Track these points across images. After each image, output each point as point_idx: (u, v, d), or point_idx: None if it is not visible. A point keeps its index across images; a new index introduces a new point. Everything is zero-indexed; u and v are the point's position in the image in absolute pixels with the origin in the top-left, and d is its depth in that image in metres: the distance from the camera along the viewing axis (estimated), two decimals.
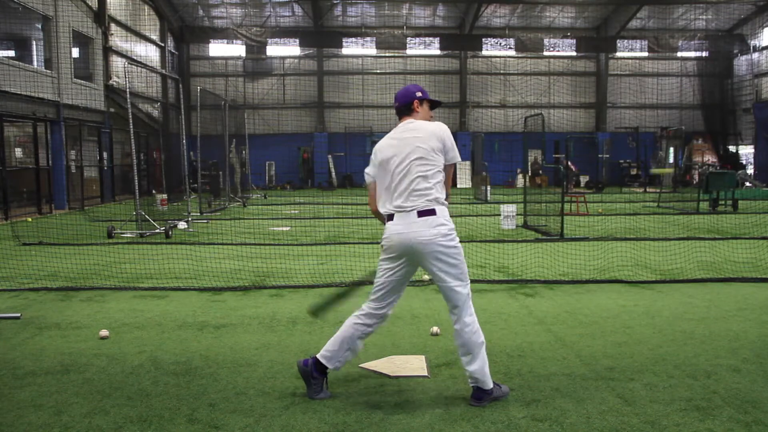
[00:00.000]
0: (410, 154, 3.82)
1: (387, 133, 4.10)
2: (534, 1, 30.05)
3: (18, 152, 20.10)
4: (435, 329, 5.32)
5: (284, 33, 31.45)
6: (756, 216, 15.03)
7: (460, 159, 4.01)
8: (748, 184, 23.91)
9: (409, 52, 32.41)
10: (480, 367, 3.77)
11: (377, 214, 4.04)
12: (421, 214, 3.73)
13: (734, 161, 29.91)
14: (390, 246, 3.82)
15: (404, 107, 4.01)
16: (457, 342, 3.82)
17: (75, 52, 21.23)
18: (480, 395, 3.79)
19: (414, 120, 3.97)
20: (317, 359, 3.91)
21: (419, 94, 4.01)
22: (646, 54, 33.13)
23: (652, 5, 30.55)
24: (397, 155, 3.86)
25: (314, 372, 3.89)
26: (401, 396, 3.97)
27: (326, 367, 3.91)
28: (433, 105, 4.11)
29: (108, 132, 22.78)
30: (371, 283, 4.04)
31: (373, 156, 4.03)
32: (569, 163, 29.33)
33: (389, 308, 3.96)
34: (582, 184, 30.46)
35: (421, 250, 3.73)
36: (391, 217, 3.82)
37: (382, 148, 3.97)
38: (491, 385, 3.81)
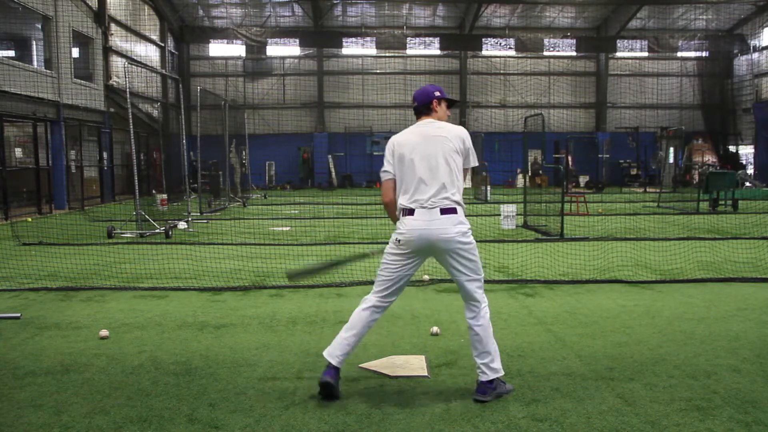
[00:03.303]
0: (435, 152, 3.87)
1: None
2: (534, 1, 30.05)
3: (18, 152, 20.10)
4: (435, 329, 5.32)
5: (284, 33, 31.44)
6: (756, 216, 15.02)
7: (477, 163, 4.06)
8: (748, 184, 23.90)
9: (409, 52, 32.41)
10: (495, 356, 3.87)
11: (391, 209, 4.03)
12: (444, 211, 3.81)
13: (734, 161, 29.91)
14: (408, 241, 3.85)
15: (423, 107, 4.02)
16: (476, 336, 3.88)
17: (75, 52, 21.23)
18: (485, 389, 3.83)
19: (434, 120, 4.01)
20: (336, 367, 3.88)
21: (437, 93, 4.02)
22: (646, 54, 33.14)
23: (652, 5, 30.56)
24: (419, 151, 3.88)
25: (336, 380, 3.89)
26: (401, 396, 3.96)
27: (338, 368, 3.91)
28: (451, 103, 4.14)
29: (108, 132, 22.78)
30: (350, 262, 4.16)
31: (389, 151, 4.00)
32: (570, 158, 29.39)
33: (392, 302, 4.03)
34: (582, 184, 30.48)
35: (442, 247, 3.83)
36: (411, 211, 3.84)
37: (401, 143, 3.96)
38: (501, 372, 3.89)
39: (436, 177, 3.83)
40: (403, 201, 3.90)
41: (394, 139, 4.03)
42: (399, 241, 3.89)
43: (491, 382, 3.84)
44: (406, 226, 3.85)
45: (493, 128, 32.02)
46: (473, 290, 3.91)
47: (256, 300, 6.65)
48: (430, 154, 3.86)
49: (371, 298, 3.98)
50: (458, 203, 3.86)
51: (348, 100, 33.23)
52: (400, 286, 3.98)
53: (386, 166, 4.00)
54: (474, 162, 4.01)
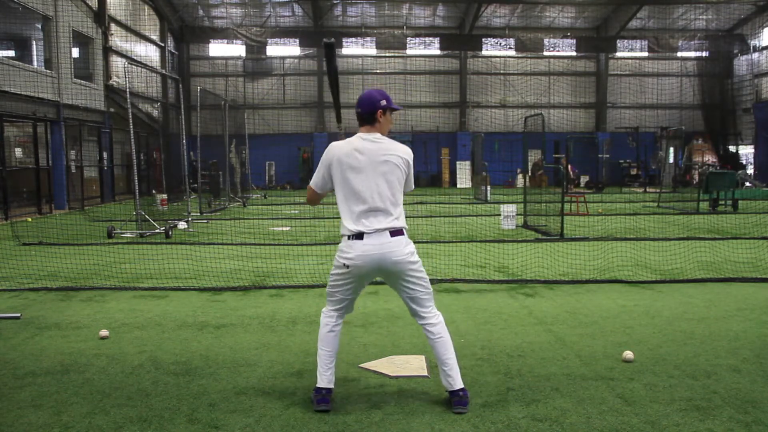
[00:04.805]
0: (383, 173, 3.71)
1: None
2: (534, 1, 30.06)
3: (18, 152, 20.10)
4: None
5: (284, 33, 31.45)
6: (756, 216, 15.03)
7: (413, 187, 3.99)
8: (748, 184, 23.90)
9: (409, 52, 32.41)
10: (457, 368, 3.80)
11: (313, 203, 4.12)
12: (393, 233, 3.70)
13: (734, 161, 29.91)
14: (357, 266, 3.69)
15: (367, 115, 3.78)
16: (438, 348, 3.80)
17: (75, 52, 21.24)
18: (465, 400, 3.75)
19: (380, 135, 3.80)
20: (330, 389, 3.81)
21: (383, 102, 3.77)
22: (646, 54, 33.15)
23: (652, 5, 30.56)
24: (366, 171, 3.70)
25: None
26: (401, 396, 3.97)
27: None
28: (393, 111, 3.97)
29: (108, 132, 22.78)
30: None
31: (326, 162, 3.79)
32: (570, 166, 29.33)
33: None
34: (582, 184, 30.47)
35: (393, 269, 3.71)
36: (359, 236, 3.68)
37: (345, 156, 3.73)
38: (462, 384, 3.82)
39: (383, 200, 3.69)
40: (348, 224, 3.70)
41: (335, 150, 3.77)
42: (347, 267, 3.71)
43: (464, 389, 3.77)
44: (356, 251, 3.66)
45: (493, 128, 32.03)
46: (426, 304, 3.85)
47: (256, 300, 6.65)
48: (378, 175, 3.69)
49: (337, 317, 3.89)
50: (404, 225, 3.78)
51: (348, 100, 33.10)
52: (351, 302, 3.92)
53: (316, 179, 3.87)
54: (411, 186, 3.91)
